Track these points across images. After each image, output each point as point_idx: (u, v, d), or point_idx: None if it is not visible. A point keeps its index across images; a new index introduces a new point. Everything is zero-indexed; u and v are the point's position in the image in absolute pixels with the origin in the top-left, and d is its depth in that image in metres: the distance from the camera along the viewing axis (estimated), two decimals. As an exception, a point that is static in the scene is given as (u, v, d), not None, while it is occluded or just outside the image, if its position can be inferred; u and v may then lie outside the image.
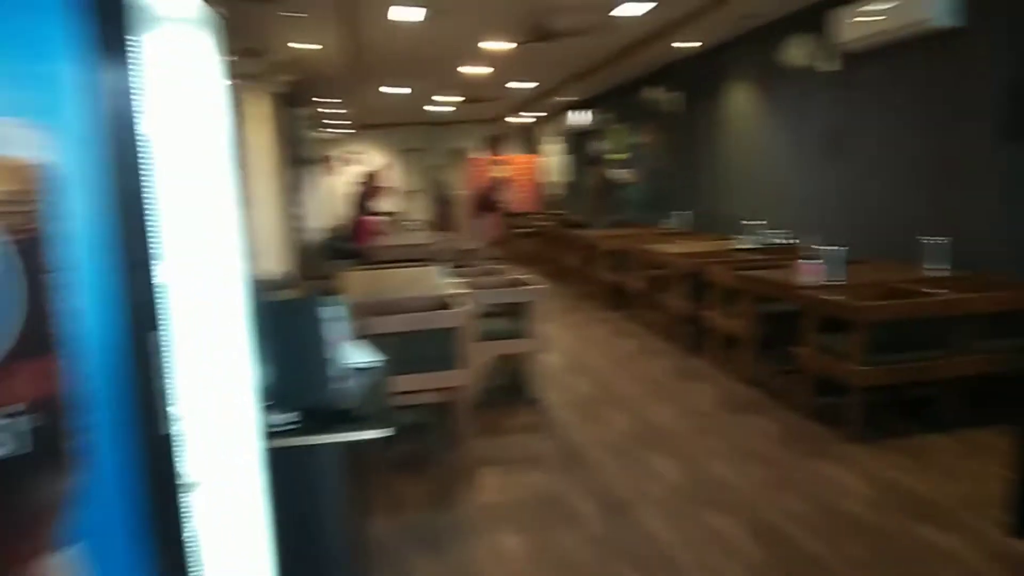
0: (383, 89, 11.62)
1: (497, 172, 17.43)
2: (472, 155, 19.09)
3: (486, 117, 17.85)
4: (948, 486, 3.55)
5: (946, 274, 4.83)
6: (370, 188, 12.65)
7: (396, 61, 9.11)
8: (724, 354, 5.74)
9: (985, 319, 4.20)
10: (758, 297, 5.15)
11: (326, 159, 19.01)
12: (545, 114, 16.67)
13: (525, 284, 5.38)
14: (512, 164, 17.79)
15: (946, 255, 4.93)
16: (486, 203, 14.08)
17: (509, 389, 5.50)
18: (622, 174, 12.01)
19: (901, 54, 5.51)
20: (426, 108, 15.14)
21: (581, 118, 13.16)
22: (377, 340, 4.40)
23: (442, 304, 4.71)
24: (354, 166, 19.27)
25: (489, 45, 8.17)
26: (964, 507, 3.33)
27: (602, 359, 6.29)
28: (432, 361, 4.43)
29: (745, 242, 6.90)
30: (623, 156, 12.02)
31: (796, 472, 3.82)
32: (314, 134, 13.10)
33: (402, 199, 19.43)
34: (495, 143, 19.81)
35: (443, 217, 14.63)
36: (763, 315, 5.33)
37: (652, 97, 9.48)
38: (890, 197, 5.81)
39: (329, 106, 12.88)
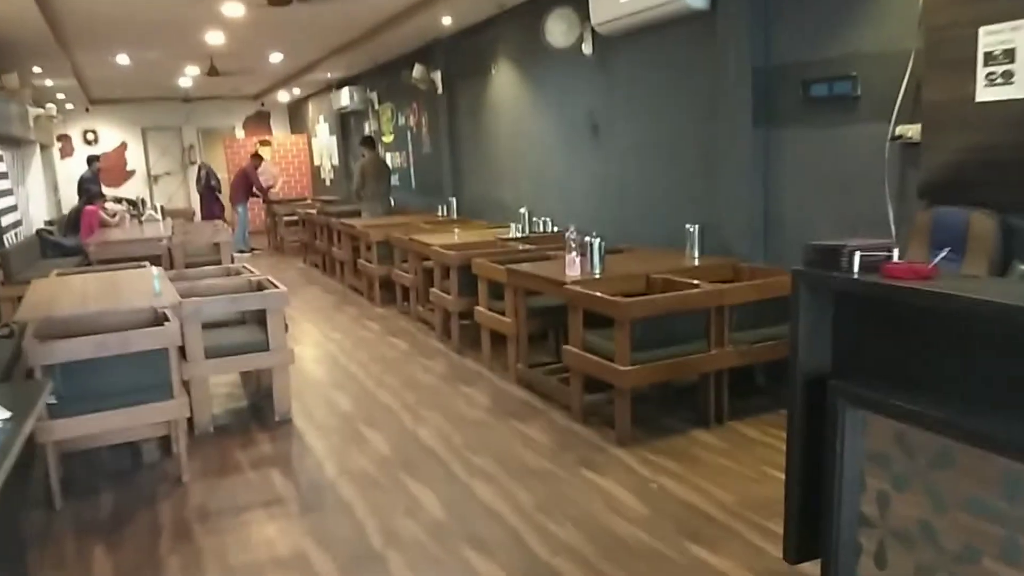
0: (119, 59, 10.04)
1: (261, 154, 16.12)
2: (234, 135, 17.54)
3: (248, 93, 16.39)
4: (719, 493, 3.37)
5: (711, 262, 4.77)
6: (95, 172, 11.01)
7: (116, 24, 7.79)
8: (496, 353, 5.38)
9: (748, 308, 4.13)
10: (528, 291, 4.81)
11: (63, 138, 16.59)
12: (313, 92, 15.61)
13: (264, 287, 4.65)
14: (280, 145, 16.50)
15: (706, 242, 4.89)
16: (247, 189, 12.80)
17: (253, 411, 4.75)
18: (393, 158, 11.41)
19: (655, 37, 5.40)
20: (180, 83, 13.48)
21: (347, 97, 12.33)
22: (65, 369, 3.53)
23: (153, 319, 3.89)
24: (95, 147, 17.05)
25: (228, 9, 7.16)
26: (736, 518, 3.14)
27: (369, 364, 5.69)
28: (138, 391, 3.61)
29: (513, 231, 6.59)
30: (390, 138, 11.42)
31: (567, 488, 3.49)
32: (32, 109, 11.09)
33: (147, 184, 17.49)
34: (260, 122, 18.32)
35: (205, 205, 13.08)
36: (535, 310, 5.02)
37: (415, 76, 8.94)
38: (652, 183, 5.73)
39: (56, 77, 10.97)
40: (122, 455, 4.06)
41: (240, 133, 17.91)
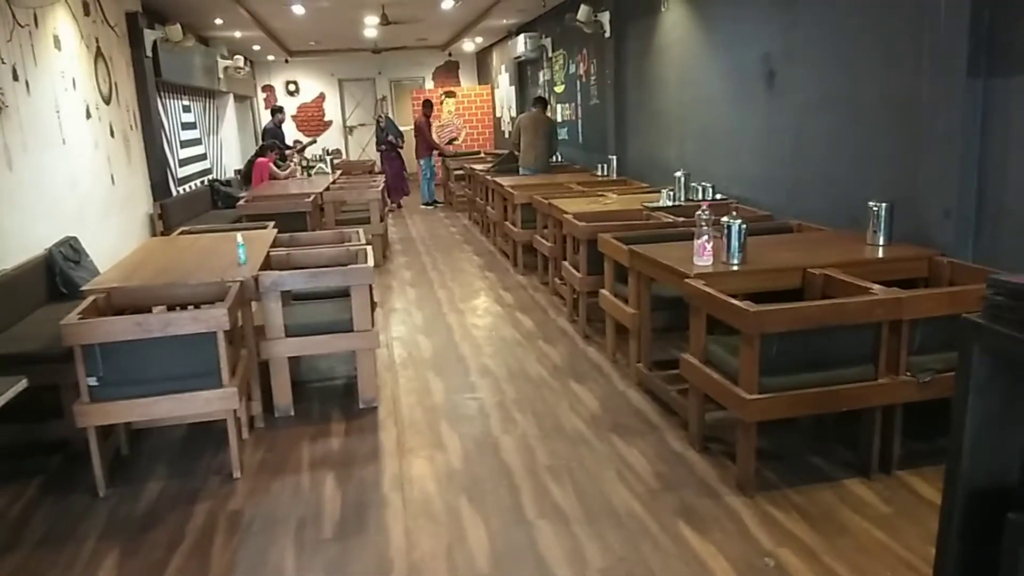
0: (295, 8, 10.08)
1: (445, 105, 15.98)
2: (421, 86, 17.57)
3: (435, 43, 16.26)
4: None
5: (899, 252, 3.66)
6: (277, 123, 11.25)
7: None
8: (621, 344, 4.59)
9: (938, 323, 3.04)
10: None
11: (267, 89, 17.51)
12: (496, 40, 15.14)
13: (348, 263, 4.19)
14: (464, 96, 16.24)
15: (897, 226, 3.76)
16: (428, 141, 12.54)
17: (347, 391, 4.35)
18: (562, 110, 10.67)
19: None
20: (366, 33, 13.52)
21: (523, 44, 11.69)
22: (106, 350, 3.26)
23: (220, 295, 3.54)
24: (296, 97, 17.85)
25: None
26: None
27: (484, 346, 5.13)
28: (184, 377, 3.28)
29: (664, 198, 5.66)
30: (561, 88, 10.66)
31: (651, 550, 2.70)
32: (221, 61, 11.57)
33: (343, 135, 18.03)
34: (449, 73, 18.22)
35: (385, 160, 13.00)
36: (664, 300, 4.17)
37: (579, 17, 8.07)
38: (834, 147, 4.57)
39: (241, 29, 11.33)
40: (197, 436, 3.81)
41: (429, 84, 17.93)
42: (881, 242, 3.77)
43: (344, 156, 17.80)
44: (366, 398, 4.10)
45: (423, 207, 12.46)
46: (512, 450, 3.53)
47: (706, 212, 3.53)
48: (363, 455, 3.56)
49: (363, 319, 3.98)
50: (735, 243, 3.51)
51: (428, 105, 12.46)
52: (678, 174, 5.85)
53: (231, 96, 12.83)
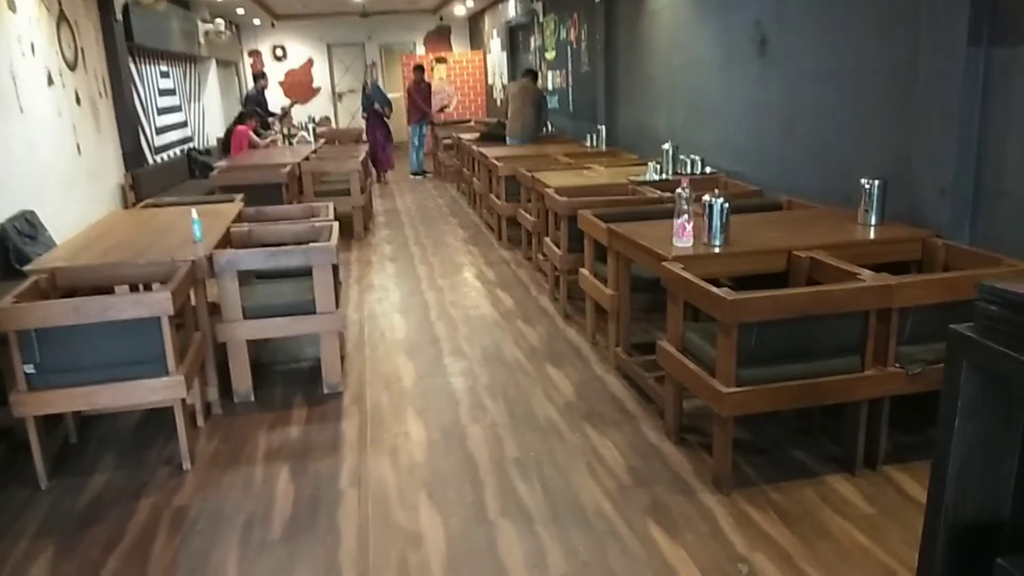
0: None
1: (436, 71, 15.60)
2: (412, 52, 17.16)
3: (426, 7, 15.83)
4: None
5: (891, 233, 3.46)
6: (260, 89, 10.93)
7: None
8: (601, 326, 4.40)
9: (931, 311, 2.84)
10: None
11: (254, 54, 17.09)
12: (489, 4, 14.72)
13: (313, 240, 3.97)
14: (455, 63, 15.84)
15: (890, 204, 3.55)
16: (419, 107, 12.12)
17: (312, 375, 4.15)
18: (553, 77, 10.36)
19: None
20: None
21: (513, 7, 11.33)
22: (43, 336, 3.06)
23: (170, 275, 3.33)
24: (284, 63, 17.44)
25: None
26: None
27: (460, 325, 4.93)
28: (127, 364, 3.09)
29: (650, 171, 5.42)
30: (552, 55, 10.34)
31: (616, 554, 2.53)
32: (202, 25, 11.22)
33: (332, 101, 17.66)
34: (440, 38, 17.80)
35: (369, 128, 12.58)
36: (644, 281, 3.96)
37: (569, -18, 7.76)
38: (827, 119, 4.33)
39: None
40: (151, 422, 3.62)
41: (420, 50, 17.53)
42: (873, 222, 3.56)
43: (333, 124, 17.48)
44: (330, 383, 3.91)
45: (411, 177, 12.17)
46: (480, 441, 3.35)
47: (686, 190, 3.31)
48: (322, 446, 3.38)
49: (326, 300, 3.77)
50: (717, 223, 3.29)
51: (419, 69, 12.06)
52: (666, 146, 5.62)
53: (213, 61, 12.47)
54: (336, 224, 4.20)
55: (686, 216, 3.30)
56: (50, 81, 5.74)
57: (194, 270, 3.50)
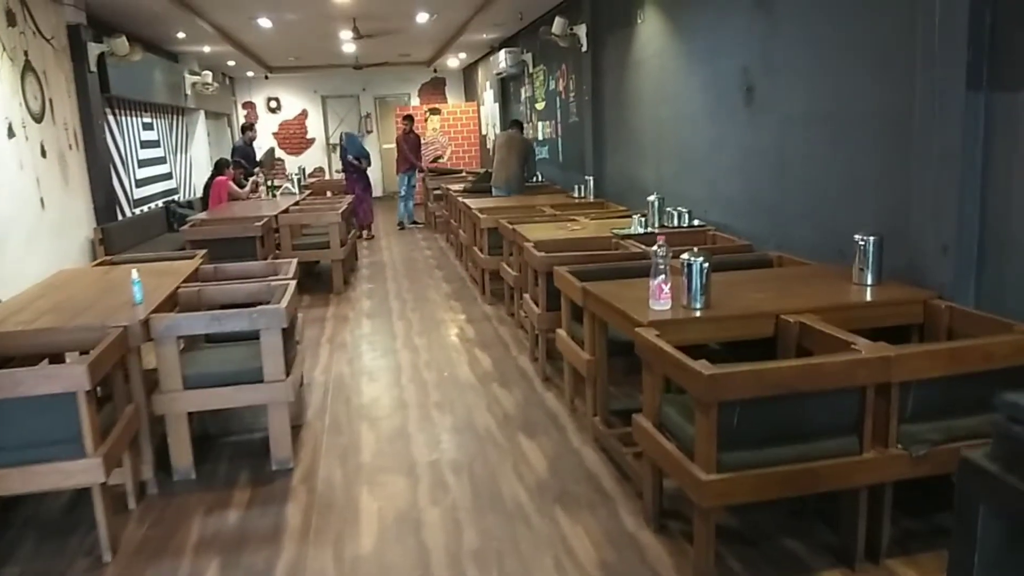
0: (261, 21, 9.60)
1: (431, 123, 15.53)
2: (407, 103, 17.13)
3: (420, 60, 15.82)
4: None
5: (890, 294, 3.15)
6: (247, 141, 10.76)
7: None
8: (580, 390, 4.07)
9: (936, 384, 2.52)
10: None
11: (248, 105, 17.06)
12: (480, 56, 14.71)
13: (265, 300, 3.68)
14: (449, 113, 15.76)
15: (888, 261, 3.25)
16: (407, 157, 11.91)
17: (265, 447, 3.81)
18: (543, 128, 10.21)
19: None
20: (344, 49, 13.05)
21: (504, 60, 11.24)
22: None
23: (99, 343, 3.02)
24: (278, 114, 17.40)
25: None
26: None
27: (432, 390, 4.60)
28: (41, 445, 2.76)
29: (635, 225, 5.15)
30: (542, 105, 10.20)
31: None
32: (189, 77, 11.12)
33: (326, 153, 17.56)
34: (435, 90, 17.80)
35: (348, 181, 12.18)
36: (622, 344, 3.64)
37: (554, 31, 7.60)
38: (819, 169, 4.07)
39: (208, 44, 10.86)
40: (81, 502, 3.28)
41: (415, 100, 17.52)
42: (869, 281, 3.26)
43: (326, 175, 17.37)
44: (279, 459, 3.57)
45: (398, 229, 11.94)
46: (437, 528, 3.00)
47: (663, 248, 3.02)
48: (260, 535, 3.02)
49: (274, 368, 3.45)
50: (696, 284, 2.99)
51: (409, 119, 11.93)
52: (651, 198, 5.36)
53: (202, 113, 12.36)
54: (292, 283, 3.91)
55: (663, 276, 3.00)
56: (11, 134, 5.52)
57: (127, 337, 3.20)
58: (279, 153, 17.10)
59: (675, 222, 5.25)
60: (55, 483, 2.78)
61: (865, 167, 3.67)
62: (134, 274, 3.55)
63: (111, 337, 3.04)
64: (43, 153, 6.05)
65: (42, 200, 5.96)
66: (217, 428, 4.05)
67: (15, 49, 5.70)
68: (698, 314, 2.96)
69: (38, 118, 6.01)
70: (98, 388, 3.48)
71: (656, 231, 5.10)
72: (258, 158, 11.29)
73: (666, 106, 6.05)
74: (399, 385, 4.70)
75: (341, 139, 11.31)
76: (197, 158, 12.12)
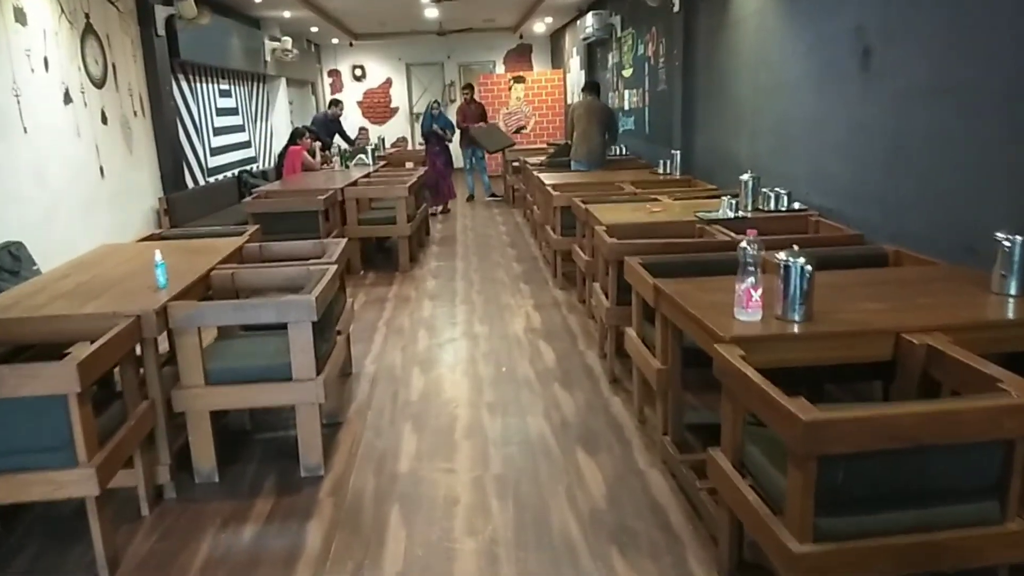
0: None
1: (514, 91, 15.02)
2: (492, 71, 16.64)
3: (505, 25, 15.27)
4: None
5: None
6: (333, 116, 10.51)
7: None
8: (649, 398, 3.56)
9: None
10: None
11: (333, 74, 16.94)
12: (568, 21, 14.03)
13: (303, 286, 3.31)
14: (533, 82, 15.16)
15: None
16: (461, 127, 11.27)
17: (290, 453, 3.48)
18: (629, 96, 9.55)
19: None
20: (426, 13, 12.65)
21: (591, 24, 10.59)
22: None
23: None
24: (363, 82, 17.22)
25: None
26: None
27: (485, 388, 4.18)
28: (30, 451, 2.48)
29: (724, 208, 4.54)
30: (629, 72, 9.52)
31: None
32: (268, 43, 10.94)
33: (408, 122, 17.29)
34: (520, 57, 17.21)
35: (428, 153, 11.66)
36: (700, 353, 3.11)
37: (643, -10, 6.95)
38: (948, 151, 3.38)
39: (289, 8, 10.64)
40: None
41: (500, 68, 17.00)
42: (1013, 291, 2.62)
43: (409, 145, 17.12)
44: (308, 465, 3.22)
45: (489, 199, 11.61)
46: (470, 563, 2.58)
47: (753, 244, 2.46)
48: (273, 558, 2.67)
49: (303, 365, 3.09)
50: (795, 290, 2.42)
51: (469, 88, 11.30)
52: (744, 177, 4.73)
53: (283, 80, 12.22)
54: (332, 269, 3.52)
55: (752, 280, 2.45)
56: (68, 99, 5.35)
57: (140, 326, 2.89)
58: (363, 123, 16.97)
59: (772, 205, 4.61)
60: (45, 494, 2.49)
61: (1005, 151, 2.98)
62: (157, 255, 3.23)
63: (118, 328, 2.73)
64: (104, 119, 5.89)
65: (102, 168, 5.81)
66: (252, 423, 3.74)
67: (75, 11, 5.51)
68: (796, 329, 2.40)
69: (99, 83, 5.85)
70: (115, 380, 3.21)
71: (748, 215, 4.49)
72: (351, 136, 10.99)
73: (764, 73, 5.36)
74: (452, 379, 4.30)
75: (433, 107, 10.48)
76: (278, 127, 12.01)
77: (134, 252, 4.10)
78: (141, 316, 2.90)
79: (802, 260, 2.40)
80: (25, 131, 4.77)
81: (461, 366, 4.51)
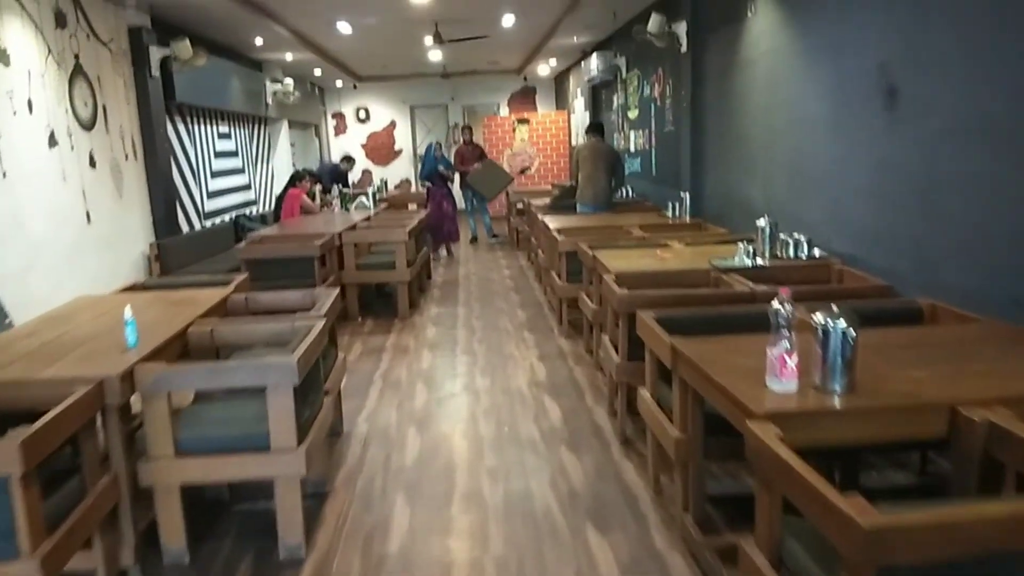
0: (340, 26, 9.15)
1: (519, 133, 14.89)
2: (496, 113, 16.55)
3: (508, 67, 15.22)
4: None
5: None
6: (341, 170, 10.33)
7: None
8: (665, 464, 3.25)
9: None
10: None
11: (337, 116, 16.87)
12: (572, 63, 13.97)
13: (287, 341, 3.03)
14: (537, 123, 15.04)
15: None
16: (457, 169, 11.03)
17: (271, 529, 3.16)
18: (635, 138, 9.36)
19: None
20: (430, 56, 12.56)
21: (595, 65, 10.46)
22: None
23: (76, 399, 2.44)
24: (367, 124, 17.14)
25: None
26: None
27: (487, 452, 3.87)
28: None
29: (740, 255, 4.26)
30: (635, 113, 9.35)
31: None
32: (271, 85, 10.84)
33: (412, 164, 17.17)
34: (525, 99, 17.15)
35: (430, 194, 11.41)
36: (723, 420, 2.80)
37: (650, 29, 6.77)
38: (987, 194, 3.12)
39: (288, 50, 10.54)
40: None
41: (504, 111, 16.93)
42: (1080, 353, 2.32)
43: (413, 187, 16.99)
44: (288, 545, 2.90)
45: (491, 239, 11.44)
46: (466, 669, 2.25)
47: (786, 305, 2.18)
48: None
49: (283, 434, 2.79)
50: (836, 359, 2.13)
51: (468, 130, 11.06)
52: (761, 222, 4.47)
53: (285, 122, 12.10)
54: (319, 325, 3.24)
55: (786, 345, 2.16)
56: (53, 142, 5.14)
57: (102, 392, 2.61)
58: (367, 165, 16.87)
59: (791, 252, 4.34)
60: (-22, 588, 2.19)
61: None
62: (127, 312, 2.96)
63: (73, 398, 2.44)
64: (92, 163, 5.68)
65: (88, 213, 5.58)
66: (231, 490, 3.43)
67: (63, 52, 5.33)
68: (838, 403, 2.10)
69: (88, 125, 5.65)
70: (74, 448, 2.92)
71: (766, 263, 4.22)
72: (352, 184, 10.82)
73: (779, 113, 5.14)
74: (450, 441, 3.99)
75: (435, 148, 10.29)
76: (279, 169, 11.85)
77: (111, 305, 3.83)
78: (103, 381, 2.62)
79: (843, 322, 2.11)
80: (4, 176, 4.55)
81: (460, 425, 4.20)
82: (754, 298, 3.54)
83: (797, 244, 4.35)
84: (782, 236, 4.43)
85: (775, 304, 2.19)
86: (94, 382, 2.59)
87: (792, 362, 2.17)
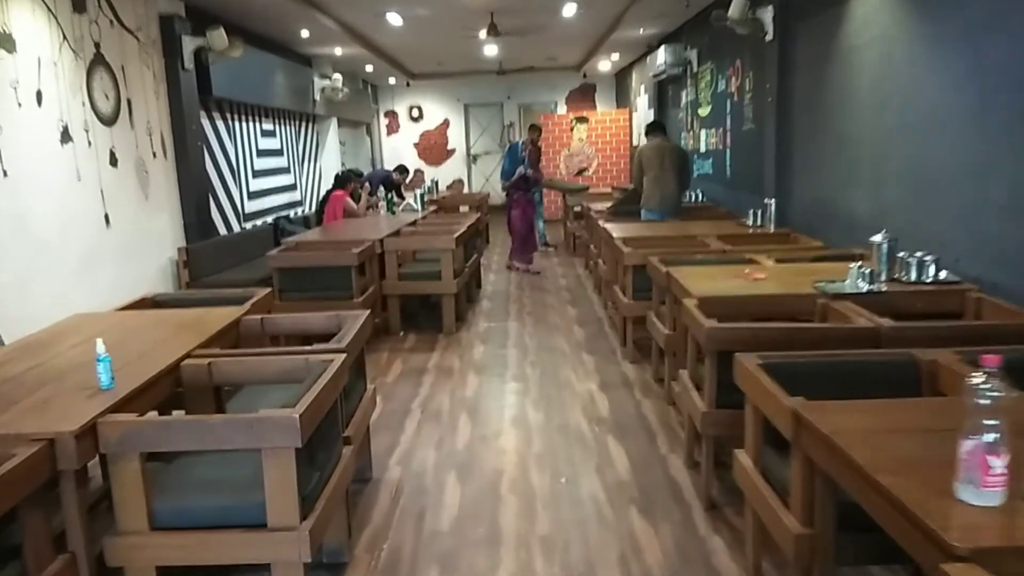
0: (390, 17, 8.59)
1: (577, 132, 14.18)
2: (553, 111, 15.87)
3: (568, 64, 14.53)
4: None
5: None
6: (394, 180, 9.79)
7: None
8: (766, 546, 2.55)
9: None
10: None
11: (390, 115, 16.42)
12: (636, 58, 13.21)
13: (299, 379, 2.41)
14: (597, 122, 14.29)
15: None
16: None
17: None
18: (707, 136, 8.59)
19: None
20: (485, 51, 11.94)
21: (663, 58, 9.71)
22: None
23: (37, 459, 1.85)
24: (420, 123, 16.66)
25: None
26: None
27: (543, 510, 3.22)
28: None
29: (853, 277, 3.51)
30: (707, 110, 8.57)
31: None
32: (319, 81, 10.37)
33: (466, 164, 16.63)
34: (584, 96, 16.43)
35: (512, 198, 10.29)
36: (858, 509, 2.09)
37: (731, 15, 6.02)
38: None
39: (336, 44, 10.05)
40: None
41: (562, 108, 16.24)
42: None
43: (465, 187, 16.45)
44: (290, 640, 2.29)
45: (543, 248, 10.67)
46: None
47: (994, 379, 1.47)
48: None
49: (283, 509, 2.18)
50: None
51: (535, 129, 10.06)
52: (877, 238, 3.70)
53: (334, 120, 11.64)
54: (338, 360, 2.63)
55: (991, 439, 1.45)
56: (66, 138, 4.67)
57: (53, 454, 2.03)
58: (419, 164, 16.40)
59: (913, 275, 3.57)
60: None
61: None
62: (99, 346, 2.38)
63: (10, 465, 1.88)
64: (113, 161, 5.21)
65: (107, 216, 5.11)
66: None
67: (81, 39, 4.86)
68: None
69: (109, 120, 5.17)
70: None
71: (884, 288, 3.46)
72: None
73: (892, 110, 4.35)
74: (496, 495, 3.34)
75: (522, 148, 9.05)
76: (328, 169, 11.39)
77: (107, 325, 3.27)
78: (55, 441, 2.05)
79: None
80: (4, 174, 4.07)
81: (509, 472, 3.55)
82: (877, 337, 2.81)
83: (921, 265, 3.57)
84: (901, 254, 3.66)
85: (974, 380, 1.48)
86: (42, 441, 2.02)
87: (1000, 465, 1.46)
